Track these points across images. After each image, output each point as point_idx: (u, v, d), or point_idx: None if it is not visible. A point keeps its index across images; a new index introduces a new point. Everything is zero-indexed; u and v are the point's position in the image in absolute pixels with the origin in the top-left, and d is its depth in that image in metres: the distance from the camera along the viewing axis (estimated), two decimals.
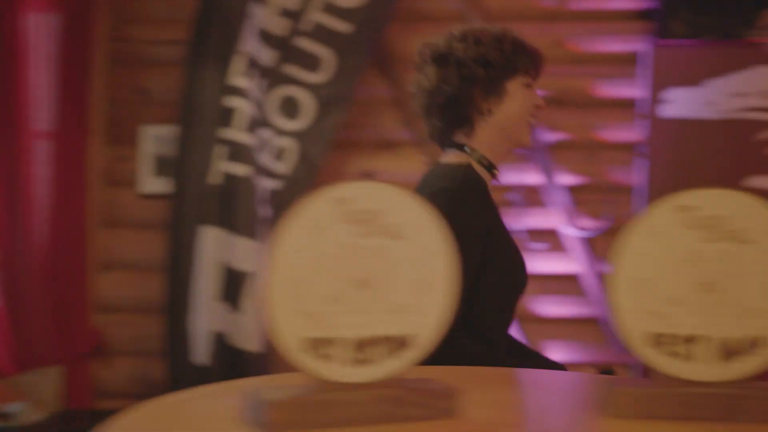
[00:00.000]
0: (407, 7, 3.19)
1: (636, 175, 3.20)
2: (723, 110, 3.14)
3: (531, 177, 3.21)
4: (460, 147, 1.42)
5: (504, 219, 1.54)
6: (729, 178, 3.12)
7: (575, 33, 3.26)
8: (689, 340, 0.83)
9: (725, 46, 3.17)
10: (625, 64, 3.23)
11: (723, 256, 0.82)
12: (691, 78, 3.15)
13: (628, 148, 3.23)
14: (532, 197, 3.20)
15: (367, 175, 2.88)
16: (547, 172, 3.17)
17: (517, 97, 1.36)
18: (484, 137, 1.41)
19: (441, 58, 1.36)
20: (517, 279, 1.50)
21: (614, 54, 3.24)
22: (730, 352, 0.82)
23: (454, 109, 1.36)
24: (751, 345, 0.82)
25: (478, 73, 1.32)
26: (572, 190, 3.19)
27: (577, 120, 3.24)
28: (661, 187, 3.08)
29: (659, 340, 0.83)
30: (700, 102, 3.15)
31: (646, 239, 0.83)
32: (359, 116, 3.26)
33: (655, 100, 3.14)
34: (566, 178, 3.21)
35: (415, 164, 3.22)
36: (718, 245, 0.82)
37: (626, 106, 3.23)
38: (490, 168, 1.44)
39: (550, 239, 3.16)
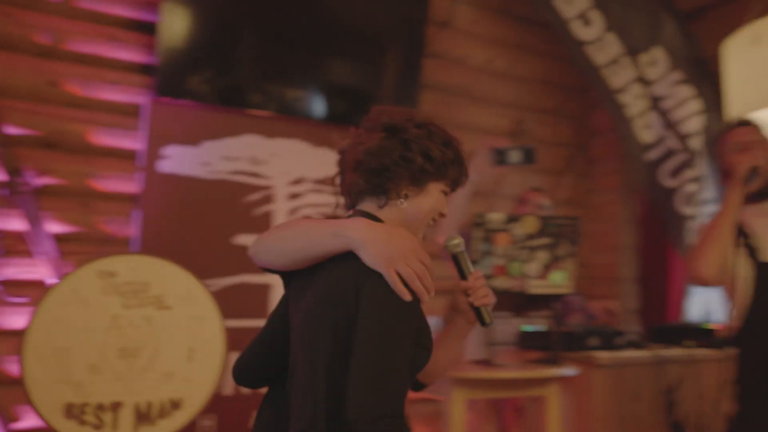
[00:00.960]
0: None
1: (133, 227, 3.15)
2: (216, 171, 3.34)
3: (14, 223, 2.89)
4: (367, 214, 1.45)
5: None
6: (220, 235, 3.32)
7: (74, 75, 3.10)
8: (109, 407, 0.78)
9: (222, 111, 3.39)
10: (126, 114, 3.20)
11: (143, 321, 0.80)
12: (188, 137, 3.28)
13: (125, 199, 3.17)
14: (14, 245, 2.88)
15: None
16: (34, 218, 2.90)
17: (431, 198, 1.46)
18: (390, 216, 1.45)
19: (392, 130, 1.43)
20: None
21: (115, 103, 3.18)
22: (145, 416, 0.80)
23: (380, 178, 1.42)
24: (169, 407, 0.81)
25: (417, 160, 1.41)
26: (62, 239, 2.98)
27: (72, 166, 3.06)
28: (155, 241, 3.09)
29: (78, 411, 0.76)
30: (196, 161, 3.29)
31: (65, 306, 0.77)
32: None
33: (153, 155, 3.18)
34: (55, 227, 2.98)
35: None
36: (139, 311, 0.80)
37: (125, 157, 3.19)
38: None
39: (33, 292, 2.87)
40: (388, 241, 1.29)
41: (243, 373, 1.55)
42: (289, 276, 1.48)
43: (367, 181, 1.44)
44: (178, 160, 3.24)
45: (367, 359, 1.20)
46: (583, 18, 3.90)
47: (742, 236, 2.05)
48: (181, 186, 3.24)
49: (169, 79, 3.23)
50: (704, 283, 2.04)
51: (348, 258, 1.31)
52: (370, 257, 1.28)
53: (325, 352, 1.28)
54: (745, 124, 2.21)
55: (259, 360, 1.54)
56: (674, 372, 3.25)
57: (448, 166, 1.46)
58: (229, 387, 3.19)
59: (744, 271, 2.03)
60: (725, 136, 2.21)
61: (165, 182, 3.20)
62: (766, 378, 1.99)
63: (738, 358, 2.08)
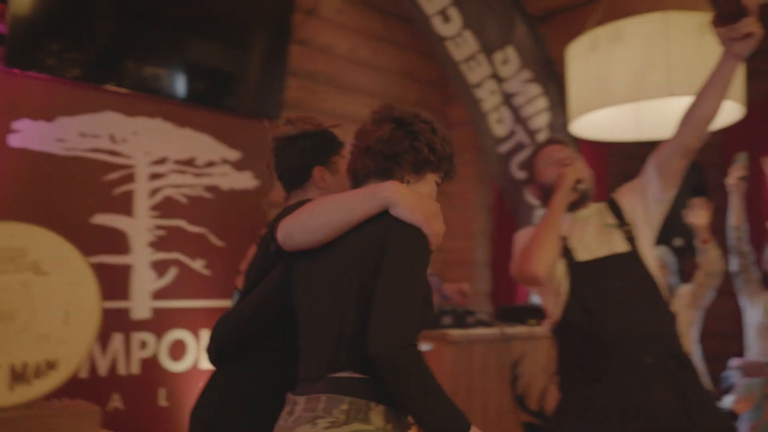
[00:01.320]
0: None
1: None
2: (72, 148, 3.22)
3: None
4: None
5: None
6: (77, 214, 3.21)
7: None
8: None
9: (79, 86, 3.26)
10: None
11: (19, 286, 0.83)
12: (42, 112, 3.14)
13: None
14: None
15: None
16: None
17: (427, 186, 1.62)
18: None
19: (400, 123, 1.59)
20: None
21: None
22: (21, 376, 0.83)
23: (390, 163, 1.57)
24: (45, 368, 0.84)
25: (423, 151, 1.58)
26: None
27: None
28: (4, 219, 2.93)
29: None
30: (50, 137, 3.16)
31: None
32: None
33: (2, 129, 3.01)
34: None
35: None
36: (15, 276, 0.83)
37: None
38: None
39: None
40: (422, 201, 1.47)
41: (223, 337, 1.71)
42: (294, 257, 1.61)
43: (377, 165, 1.59)
44: (30, 135, 3.09)
45: (391, 291, 1.35)
46: (443, 14, 4.10)
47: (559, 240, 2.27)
48: (34, 162, 3.09)
49: (20, 49, 3.06)
50: (535, 281, 2.16)
51: (372, 220, 1.46)
52: (407, 211, 1.43)
53: (353, 299, 1.41)
54: (555, 142, 2.45)
55: (241, 328, 1.70)
56: (518, 348, 3.53)
57: (445, 160, 1.64)
58: (84, 370, 3.10)
59: (560, 270, 2.25)
60: (539, 152, 2.44)
61: (15, 158, 3.05)
62: (582, 368, 2.13)
63: (558, 349, 2.26)
